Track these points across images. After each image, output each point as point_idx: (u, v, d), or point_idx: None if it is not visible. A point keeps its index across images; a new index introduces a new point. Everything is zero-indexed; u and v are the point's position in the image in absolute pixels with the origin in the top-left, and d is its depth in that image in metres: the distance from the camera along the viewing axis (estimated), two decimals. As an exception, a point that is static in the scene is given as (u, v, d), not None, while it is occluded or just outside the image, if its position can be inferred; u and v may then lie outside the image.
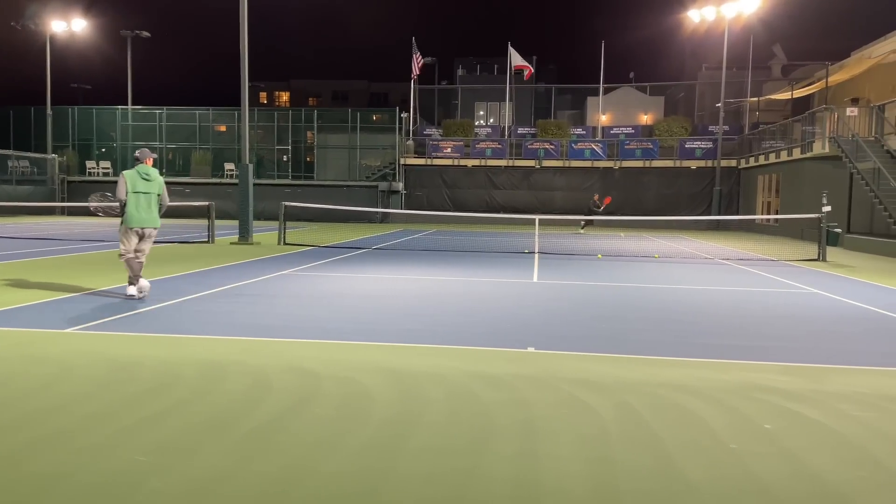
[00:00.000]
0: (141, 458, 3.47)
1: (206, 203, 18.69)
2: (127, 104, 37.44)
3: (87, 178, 35.37)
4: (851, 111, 22.59)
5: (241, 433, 3.86)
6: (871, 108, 22.60)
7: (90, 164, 36.05)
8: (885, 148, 20.32)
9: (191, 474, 3.30)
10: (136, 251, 8.35)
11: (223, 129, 37.46)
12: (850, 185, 21.36)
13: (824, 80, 29.72)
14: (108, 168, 36.06)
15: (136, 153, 8.42)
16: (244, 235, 17.85)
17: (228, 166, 34.78)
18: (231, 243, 17.47)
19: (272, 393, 4.64)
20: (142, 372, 5.10)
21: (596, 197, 26.76)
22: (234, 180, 29.41)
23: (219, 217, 19.97)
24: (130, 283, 8.40)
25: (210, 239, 17.65)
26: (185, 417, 4.11)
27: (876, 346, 6.68)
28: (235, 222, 18.71)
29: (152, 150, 35.44)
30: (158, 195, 8.40)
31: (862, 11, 37.74)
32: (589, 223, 27.05)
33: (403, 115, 35.25)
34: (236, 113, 31.20)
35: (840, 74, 28.91)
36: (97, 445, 3.64)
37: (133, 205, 8.17)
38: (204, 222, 18.66)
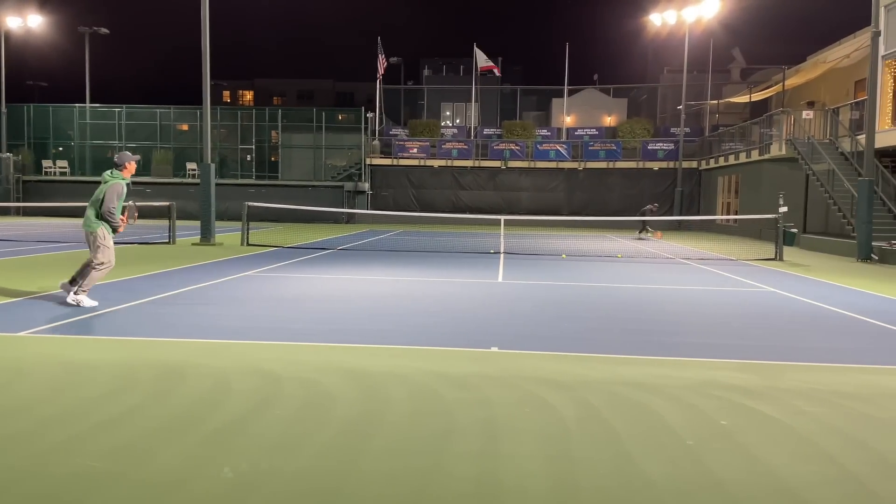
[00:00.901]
0: (95, 464, 3.39)
1: (167, 203, 18.37)
2: (85, 102, 36.59)
3: (43, 177, 34.48)
4: (807, 114, 23.19)
5: (200, 436, 3.80)
6: (825, 112, 23.22)
7: (46, 163, 35.12)
8: (840, 150, 20.90)
9: (147, 479, 3.24)
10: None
11: (185, 127, 36.84)
12: (806, 186, 21.92)
13: (781, 84, 30.46)
14: (65, 167, 35.17)
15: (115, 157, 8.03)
16: (206, 236, 17.59)
17: (190, 166, 34.22)
18: (193, 244, 17.20)
19: (232, 395, 4.58)
20: (98, 376, 4.99)
21: (654, 205, 25.63)
22: (196, 180, 28.95)
23: (180, 217, 19.62)
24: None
25: (171, 240, 17.35)
26: (141, 421, 4.04)
27: (829, 343, 6.87)
28: (197, 223, 18.43)
29: (111, 148, 34.67)
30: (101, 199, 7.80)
31: (818, 17, 38.81)
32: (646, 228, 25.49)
33: (369, 114, 35.09)
34: (198, 111, 30.73)
35: (796, 78, 29.65)
36: (50, 451, 3.55)
37: None
38: (165, 223, 18.32)
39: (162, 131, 36.07)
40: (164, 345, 6.07)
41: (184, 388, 4.74)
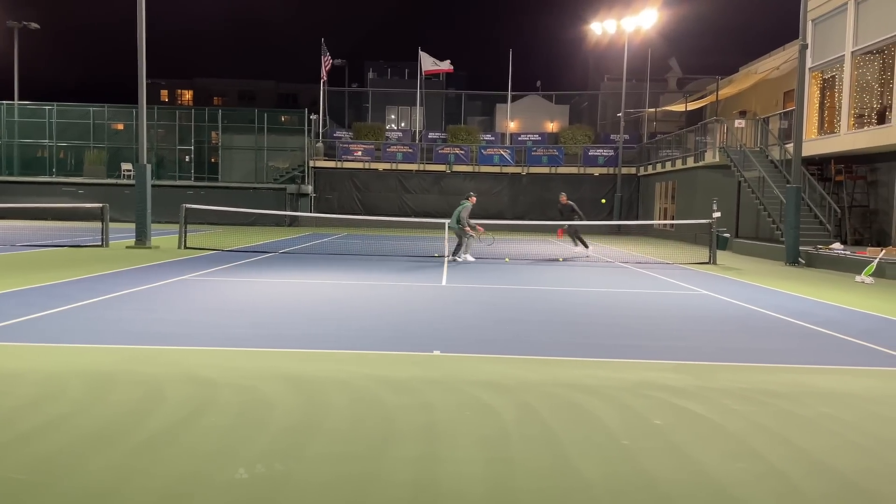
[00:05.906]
0: (18, 477, 3.24)
1: (100, 205, 17.74)
2: (13, 99, 35.04)
3: (-34, 176, 32.87)
4: (739, 123, 24.05)
5: (130, 446, 3.68)
6: (756, 121, 24.14)
7: (-30, 161, 33.50)
8: (769, 158, 21.75)
9: (73, 492, 3.11)
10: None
11: (120, 127, 35.67)
12: (738, 193, 22.72)
13: (715, 94, 31.53)
14: (-10, 166, 33.62)
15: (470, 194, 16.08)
16: (141, 239, 17.06)
17: (126, 166, 33.18)
18: (127, 247, 16.66)
19: (165, 403, 4.45)
20: (21, 384, 4.77)
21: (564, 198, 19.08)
22: (132, 181, 28.09)
23: (114, 220, 18.98)
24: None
25: (104, 243, 16.77)
26: (68, 431, 3.88)
27: (758, 343, 7.12)
28: (132, 225, 17.87)
29: (41, 147, 33.40)
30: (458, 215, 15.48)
31: (749, 30, 40.33)
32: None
33: (313, 116, 34.71)
34: (134, 110, 29.82)
35: (729, 88, 30.74)
36: (-34, 465, 3.38)
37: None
38: (97, 225, 17.69)
39: (95, 130, 34.87)
40: (94, 351, 5.85)
41: (114, 396, 4.58)
